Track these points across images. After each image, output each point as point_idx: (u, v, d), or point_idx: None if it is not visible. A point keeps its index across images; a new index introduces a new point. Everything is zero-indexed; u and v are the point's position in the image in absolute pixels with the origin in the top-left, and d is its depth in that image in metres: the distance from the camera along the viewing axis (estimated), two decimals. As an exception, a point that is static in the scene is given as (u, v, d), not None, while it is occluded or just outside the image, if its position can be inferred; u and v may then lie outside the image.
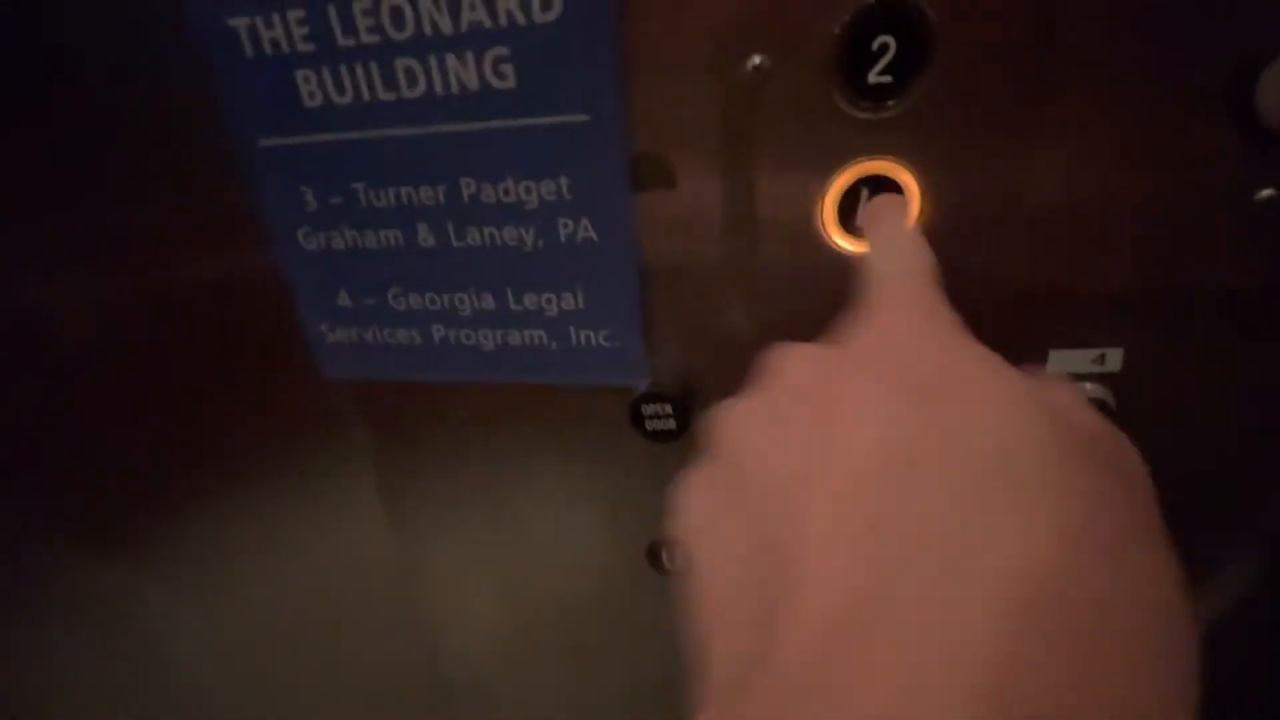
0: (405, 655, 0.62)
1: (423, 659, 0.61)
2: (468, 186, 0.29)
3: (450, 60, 0.26)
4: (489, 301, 0.32)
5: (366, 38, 0.26)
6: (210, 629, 0.71)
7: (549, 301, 0.31)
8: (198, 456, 0.55)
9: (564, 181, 0.28)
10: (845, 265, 0.29)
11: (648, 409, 0.32)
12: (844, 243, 0.28)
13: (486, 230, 0.30)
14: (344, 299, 0.34)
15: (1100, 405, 0.29)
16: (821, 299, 0.29)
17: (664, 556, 0.37)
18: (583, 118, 0.26)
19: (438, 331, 0.33)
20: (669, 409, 0.31)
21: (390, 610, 0.58)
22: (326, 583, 0.60)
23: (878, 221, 0.26)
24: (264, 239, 0.34)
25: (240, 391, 0.48)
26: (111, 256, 0.42)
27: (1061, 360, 0.29)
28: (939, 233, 0.27)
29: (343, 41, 0.27)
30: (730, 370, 0.32)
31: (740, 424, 0.17)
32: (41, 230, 0.41)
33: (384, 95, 0.27)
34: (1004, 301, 0.28)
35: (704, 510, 0.17)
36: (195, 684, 0.76)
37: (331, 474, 0.50)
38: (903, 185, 0.27)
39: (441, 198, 0.29)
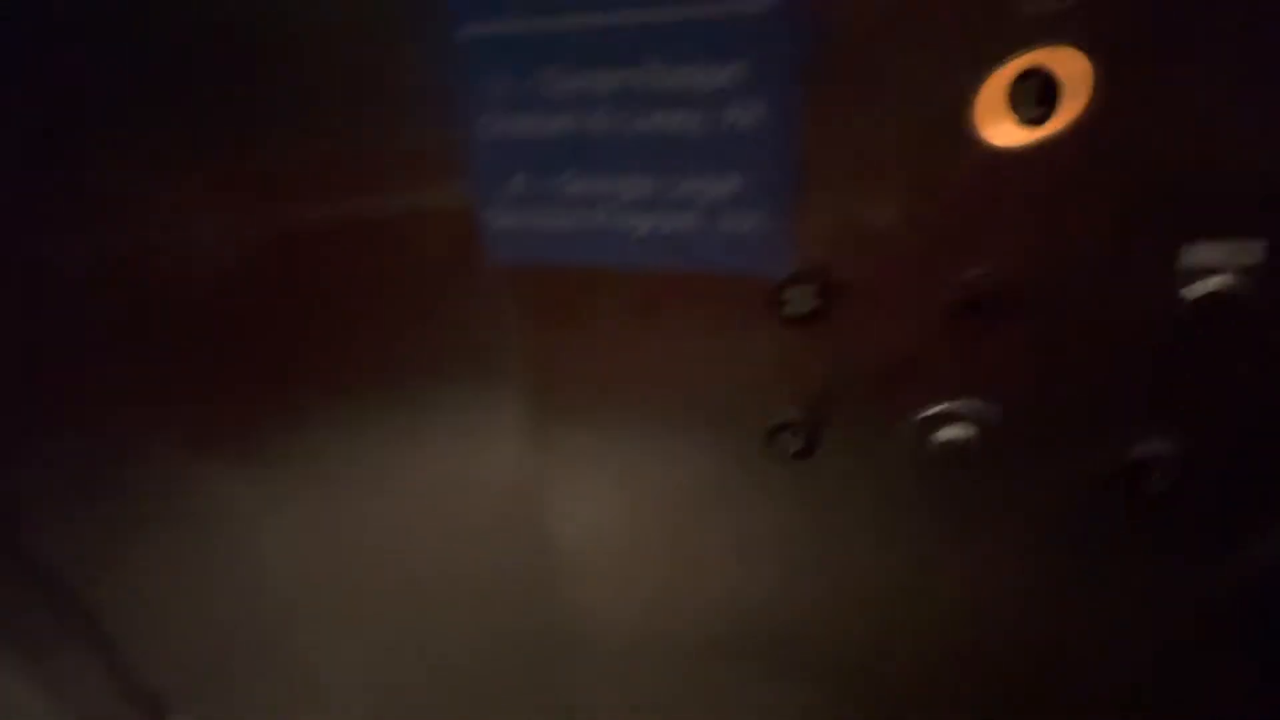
0: (522, 572, 0.65)
1: (541, 580, 0.65)
2: (647, 72, 0.32)
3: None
4: (648, 187, 0.35)
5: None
6: (322, 542, 0.79)
7: (704, 187, 0.34)
8: (334, 374, 0.61)
9: (739, 69, 0.30)
10: (997, 160, 0.30)
11: (789, 293, 0.34)
12: (1009, 137, 0.30)
13: (657, 115, 0.33)
14: (518, 185, 0.37)
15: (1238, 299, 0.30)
16: (971, 195, 0.31)
17: (786, 442, 0.40)
18: (764, 5, 0.29)
19: (600, 216, 0.37)
20: (810, 293, 0.34)
21: (514, 532, 0.62)
22: (449, 500, 0.64)
23: None
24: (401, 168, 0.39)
25: (370, 312, 0.54)
26: (257, 189, 0.48)
27: (1198, 252, 0.30)
28: (1094, 122, 0.28)
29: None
30: (871, 262, 0.34)
31: None
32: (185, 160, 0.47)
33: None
34: (1147, 189, 0.29)
35: None
36: (308, 598, 0.84)
37: (468, 388, 0.55)
38: (1068, 76, 0.28)
39: (622, 83, 0.33)
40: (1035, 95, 0.29)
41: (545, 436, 0.50)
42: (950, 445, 0.37)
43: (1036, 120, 0.29)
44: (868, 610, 0.51)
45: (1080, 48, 0.28)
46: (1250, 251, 0.29)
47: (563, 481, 0.52)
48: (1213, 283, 0.29)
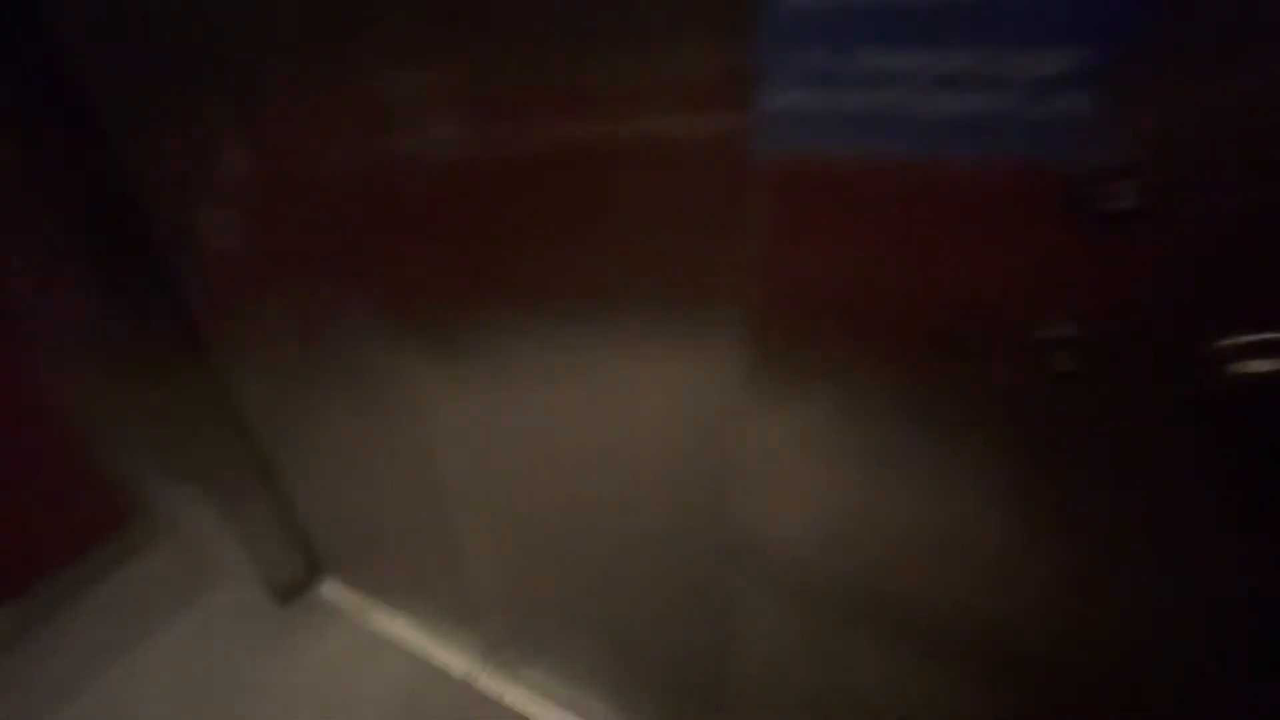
0: (700, 483, 0.66)
1: (719, 496, 0.65)
2: (996, -70, 0.30)
3: None
4: (965, 60, 0.33)
5: None
6: (494, 434, 0.84)
7: (1029, 64, 0.32)
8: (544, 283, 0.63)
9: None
10: None
11: (1110, 188, 0.32)
12: None
13: (995, -18, 0.31)
14: (811, 62, 0.37)
15: None
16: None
17: (1057, 360, 0.37)
18: None
19: (897, 95, 0.36)
20: (1134, 187, 0.31)
21: (704, 446, 0.62)
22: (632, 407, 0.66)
23: None
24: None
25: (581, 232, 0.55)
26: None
27: None
28: None
29: None
30: (1209, 160, 0.31)
31: None
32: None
33: None
34: None
35: None
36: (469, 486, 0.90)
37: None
38: None
39: (961, -56, 0.31)
40: None
41: (762, 358, 0.51)
42: (1258, 379, 0.33)
43: None
44: (1093, 607, 0.48)
45: None
46: None
47: (768, 406, 0.52)
48: None
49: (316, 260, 0.85)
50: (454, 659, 1.21)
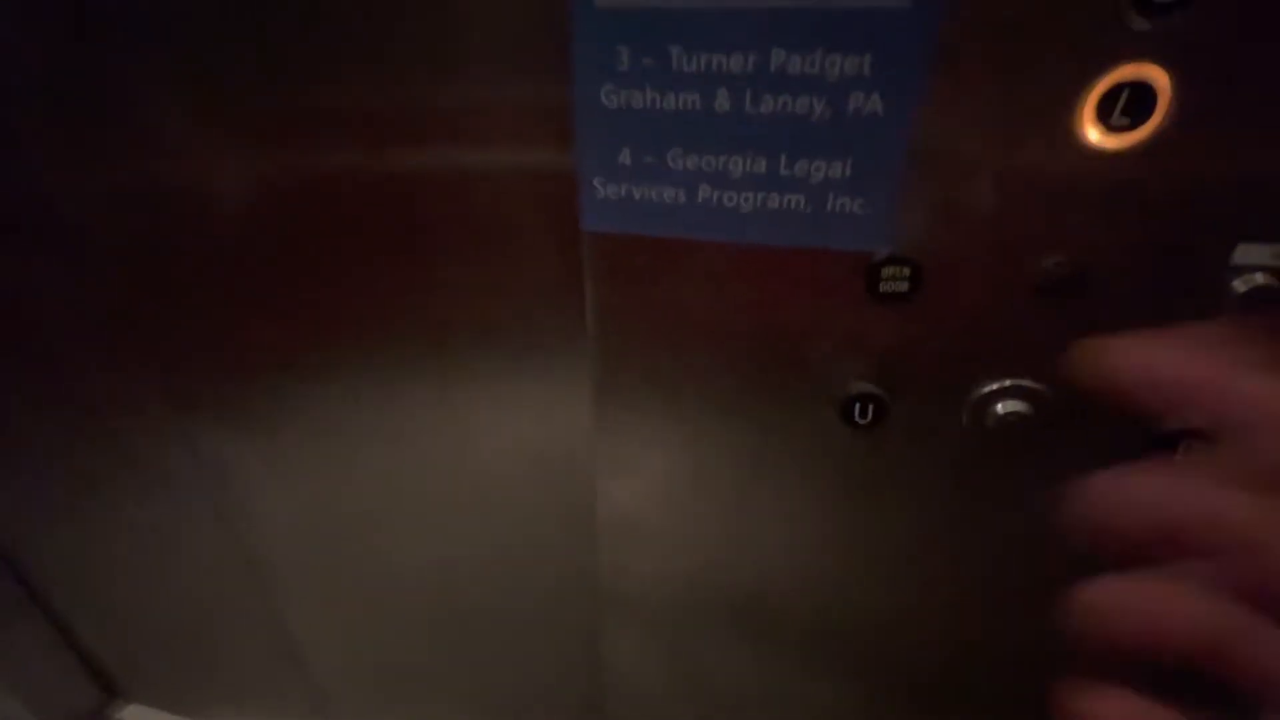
0: (561, 532, 0.66)
1: (583, 539, 0.64)
2: (777, 57, 0.34)
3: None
4: (761, 165, 0.37)
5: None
6: (305, 509, 0.77)
7: (818, 169, 0.36)
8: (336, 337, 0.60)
9: (869, 59, 0.33)
10: (1086, 160, 0.34)
11: (887, 271, 0.37)
12: (1099, 140, 0.34)
13: (781, 99, 0.35)
14: (625, 156, 0.39)
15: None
16: (1067, 191, 0.35)
17: (856, 412, 0.43)
18: (900, 2, 0.31)
19: (703, 192, 0.39)
20: (906, 272, 0.37)
21: (560, 492, 0.62)
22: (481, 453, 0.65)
23: None
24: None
25: (387, 281, 0.53)
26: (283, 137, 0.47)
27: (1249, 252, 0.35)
28: (1172, 132, 0.32)
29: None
30: (966, 246, 0.37)
31: None
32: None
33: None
34: (1211, 194, 0.34)
35: None
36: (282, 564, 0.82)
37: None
38: (1156, 89, 0.32)
39: (750, 65, 0.34)
40: (1125, 105, 0.33)
41: (607, 402, 0.52)
42: (1008, 419, 0.41)
43: (1124, 128, 0.33)
44: (904, 596, 0.55)
45: (1165, 66, 0.32)
46: (1293, 253, 0.34)
47: (619, 445, 0.54)
48: (1259, 278, 0.34)
49: (72, 324, 0.72)
50: None
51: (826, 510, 0.51)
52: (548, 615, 0.75)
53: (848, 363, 0.43)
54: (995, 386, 0.41)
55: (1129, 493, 0.19)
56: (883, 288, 0.38)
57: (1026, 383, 0.40)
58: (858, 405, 0.42)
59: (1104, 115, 0.33)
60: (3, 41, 0.51)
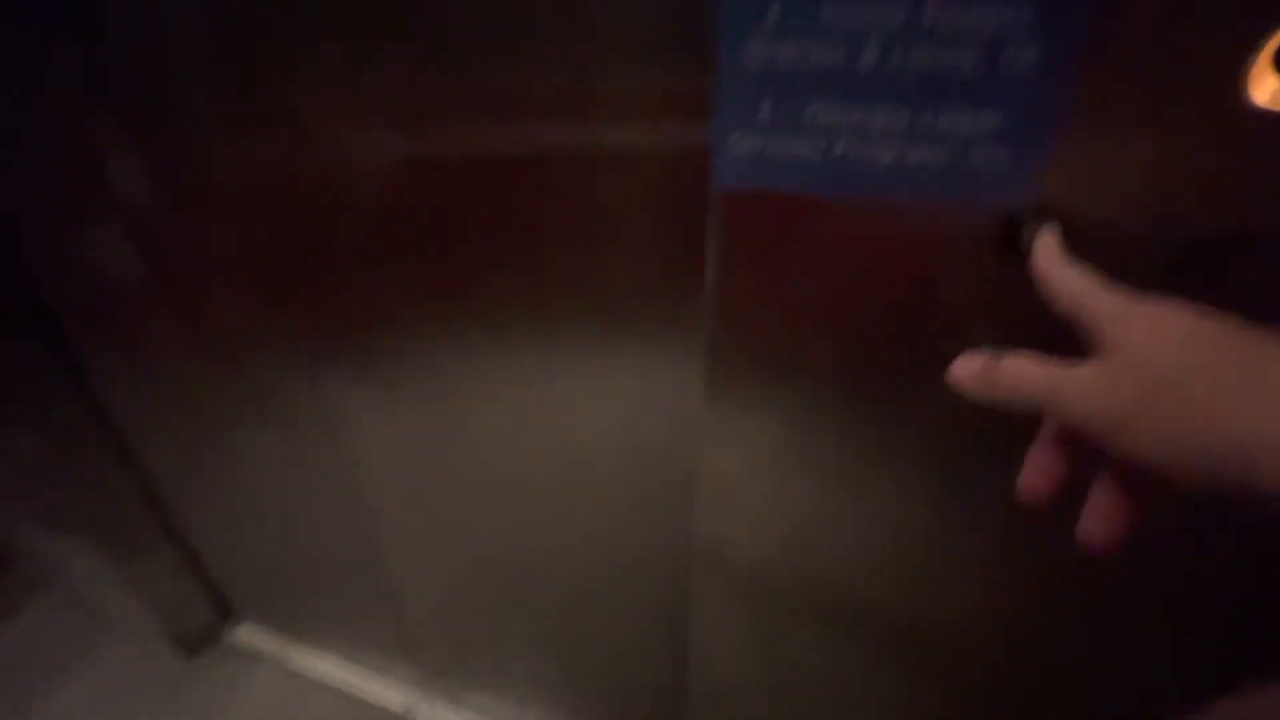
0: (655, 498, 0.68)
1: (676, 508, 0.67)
2: (931, 9, 0.34)
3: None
4: (904, 119, 0.38)
5: None
6: (416, 462, 0.82)
7: (965, 122, 0.37)
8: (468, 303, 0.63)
9: (1029, 10, 0.33)
10: (1267, 120, 0.33)
11: (1028, 229, 0.37)
12: (1271, 96, 0.32)
13: (932, 51, 0.35)
14: (765, 110, 0.40)
15: None
16: (1231, 151, 0.34)
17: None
18: (1069, -49, 0.31)
19: (842, 145, 0.40)
20: (1037, 229, 0.37)
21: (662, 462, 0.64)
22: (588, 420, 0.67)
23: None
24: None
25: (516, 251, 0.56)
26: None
27: None
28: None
29: None
30: (1115, 205, 0.37)
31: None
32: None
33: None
34: None
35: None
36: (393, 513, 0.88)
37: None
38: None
39: (902, 18, 0.35)
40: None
41: (718, 376, 0.53)
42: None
43: (1301, 85, 0.32)
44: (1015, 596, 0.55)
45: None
46: None
47: (729, 414, 0.55)
48: None
49: (222, 282, 0.80)
50: (391, 693, 1.17)
51: (944, 493, 0.51)
52: (638, 580, 0.78)
53: (980, 327, 0.42)
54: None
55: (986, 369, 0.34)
56: (1022, 245, 0.37)
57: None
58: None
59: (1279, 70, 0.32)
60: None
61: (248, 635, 1.28)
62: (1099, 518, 0.32)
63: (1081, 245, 0.37)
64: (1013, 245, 0.38)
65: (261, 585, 1.22)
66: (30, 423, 0.98)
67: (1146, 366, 0.28)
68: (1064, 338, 0.33)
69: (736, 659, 0.72)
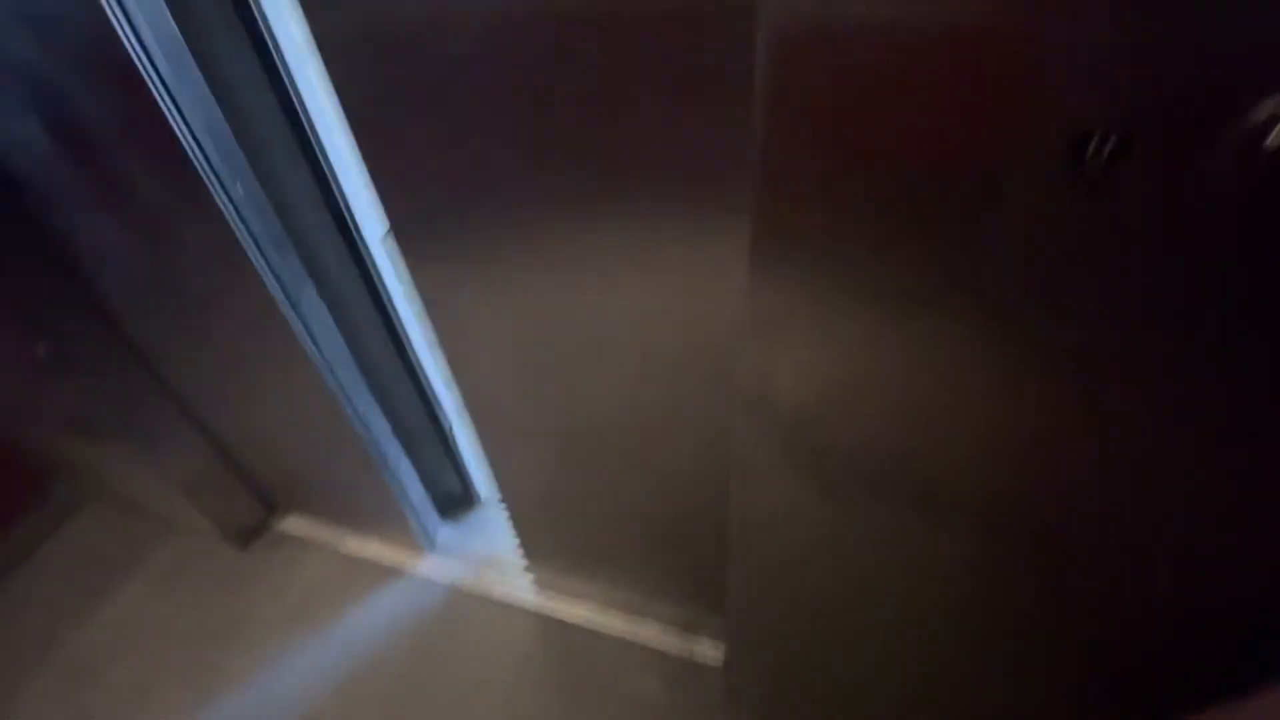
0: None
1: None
2: None
3: None
4: None
5: None
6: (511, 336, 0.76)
7: None
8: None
9: None
10: None
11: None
12: None
13: None
14: None
15: None
16: None
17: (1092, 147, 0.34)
18: None
19: None
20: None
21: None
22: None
23: None
24: None
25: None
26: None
27: None
28: None
29: None
30: None
31: None
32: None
33: None
34: None
35: None
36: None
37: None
38: None
39: None
40: None
41: (766, 227, 0.46)
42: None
43: None
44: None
45: None
46: None
47: (773, 274, 0.48)
48: None
49: None
50: (446, 568, 1.21)
51: (994, 352, 0.44)
52: (698, 445, 0.75)
53: (1077, 91, 0.34)
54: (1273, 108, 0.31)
55: None
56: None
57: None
58: (1092, 144, 0.34)
59: None
60: None
61: (295, 526, 1.32)
62: None
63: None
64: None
65: (303, 478, 1.24)
66: (43, 333, 0.95)
67: None
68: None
69: (781, 510, 0.69)
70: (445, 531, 1.27)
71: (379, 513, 1.17)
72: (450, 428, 1.16)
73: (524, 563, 1.13)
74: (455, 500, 1.29)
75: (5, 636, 1.15)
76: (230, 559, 1.26)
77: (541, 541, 1.08)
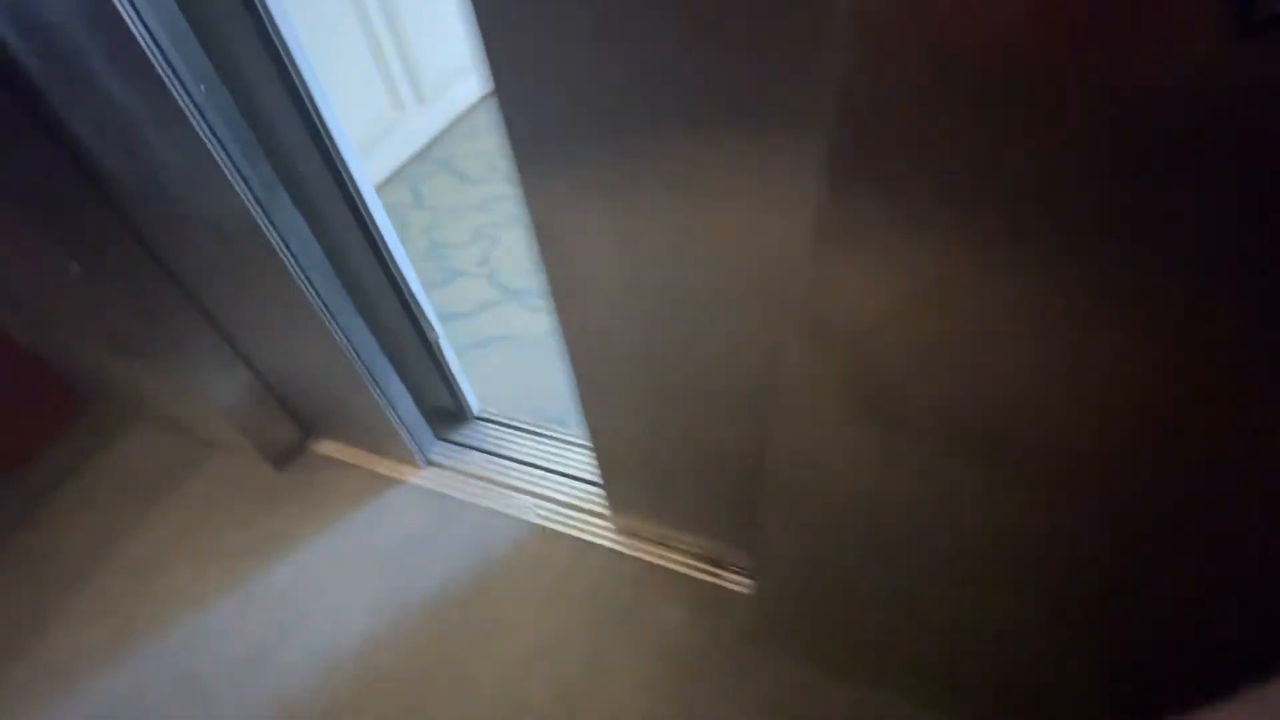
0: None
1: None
2: None
3: None
4: None
5: None
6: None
7: None
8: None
9: None
10: None
11: None
12: None
13: None
14: None
15: None
16: None
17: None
18: None
19: None
20: None
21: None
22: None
23: None
24: None
25: None
26: None
27: None
28: None
29: None
30: None
31: None
32: None
33: None
34: None
35: None
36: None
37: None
38: None
39: None
40: None
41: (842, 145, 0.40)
42: None
43: None
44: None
45: None
46: None
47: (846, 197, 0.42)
48: None
49: None
50: (485, 494, 1.22)
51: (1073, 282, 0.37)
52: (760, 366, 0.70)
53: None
54: None
55: None
56: None
57: None
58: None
59: None
60: None
61: (330, 448, 1.37)
62: None
63: None
64: None
65: (318, 400, 1.27)
66: (74, 249, 0.99)
67: None
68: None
69: (829, 451, 0.63)
70: (441, 448, 1.28)
71: (378, 430, 1.19)
72: (436, 340, 1.16)
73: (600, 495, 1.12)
74: (449, 415, 1.30)
75: (52, 548, 1.26)
76: (269, 479, 1.32)
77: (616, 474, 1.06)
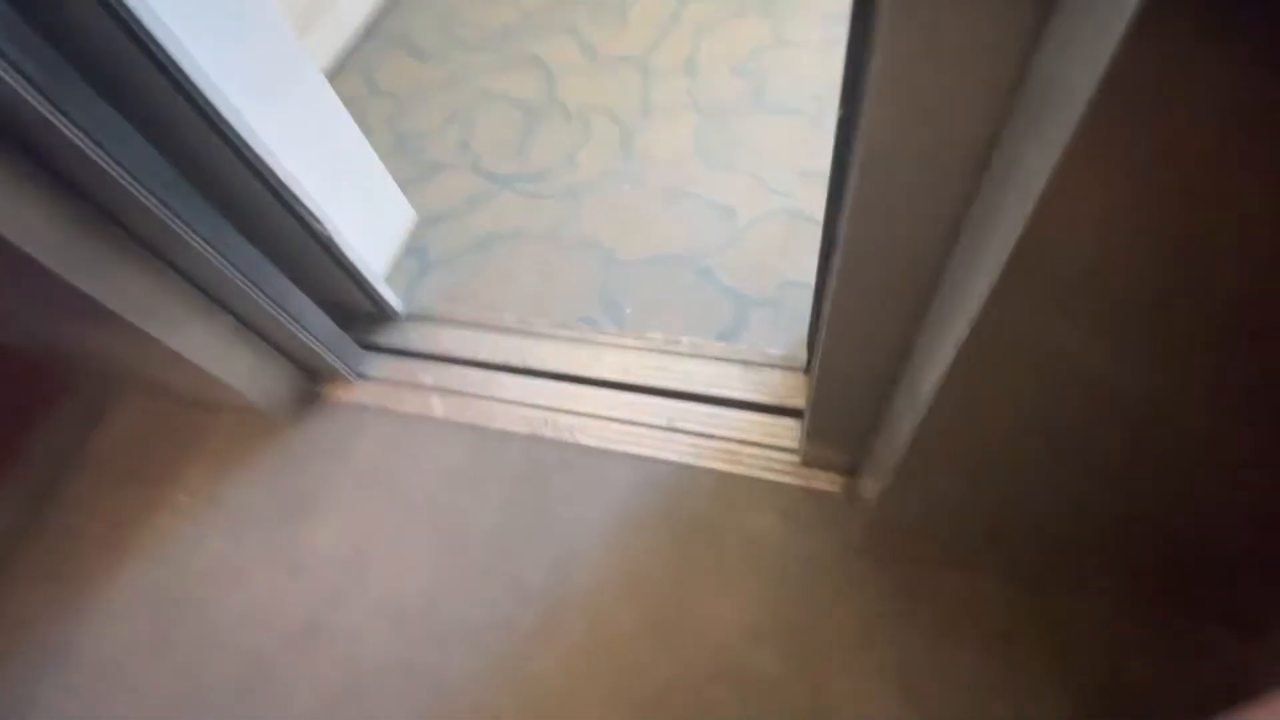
0: None
1: None
2: None
3: None
4: None
5: None
6: None
7: None
8: None
9: None
10: None
11: None
12: None
13: None
14: None
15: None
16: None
17: None
18: None
19: None
20: None
21: None
22: None
23: None
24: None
25: None
26: None
27: None
28: None
29: None
30: None
31: None
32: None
33: None
34: None
35: None
36: None
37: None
38: None
39: None
40: None
41: None
42: None
43: None
44: None
45: None
46: None
47: None
48: None
49: None
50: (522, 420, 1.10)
51: None
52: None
53: None
54: None
55: None
56: None
57: None
58: None
59: None
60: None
61: (343, 391, 1.23)
62: None
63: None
64: None
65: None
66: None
67: None
68: None
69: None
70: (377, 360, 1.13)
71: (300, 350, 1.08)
72: (330, 239, 1.02)
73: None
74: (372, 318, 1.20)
75: (72, 546, 1.17)
76: (285, 433, 1.19)
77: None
